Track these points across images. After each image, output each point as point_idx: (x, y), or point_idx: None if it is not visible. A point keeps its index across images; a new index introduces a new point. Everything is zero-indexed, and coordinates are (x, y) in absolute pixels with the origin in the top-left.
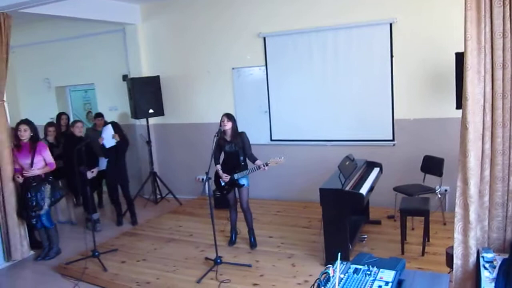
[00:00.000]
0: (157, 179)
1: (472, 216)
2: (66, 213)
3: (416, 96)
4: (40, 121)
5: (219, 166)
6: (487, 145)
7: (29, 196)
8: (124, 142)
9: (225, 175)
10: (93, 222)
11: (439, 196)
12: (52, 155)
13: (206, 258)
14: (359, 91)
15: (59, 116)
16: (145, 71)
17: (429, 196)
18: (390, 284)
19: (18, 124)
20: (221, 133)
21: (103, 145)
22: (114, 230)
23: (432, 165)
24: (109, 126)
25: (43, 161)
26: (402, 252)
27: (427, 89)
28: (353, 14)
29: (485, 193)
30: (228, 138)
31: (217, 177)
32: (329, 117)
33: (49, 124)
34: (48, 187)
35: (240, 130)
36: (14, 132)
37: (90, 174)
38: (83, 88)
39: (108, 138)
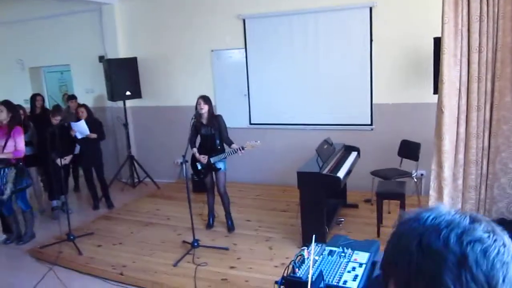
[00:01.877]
0: (135, 162)
1: (446, 199)
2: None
3: (394, 81)
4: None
5: (195, 149)
6: (462, 129)
7: None
8: (100, 132)
9: (203, 156)
10: (52, 209)
11: (415, 180)
12: None
13: (184, 242)
14: (339, 75)
15: (34, 97)
16: (122, 53)
17: (406, 180)
18: (364, 265)
19: None
20: (197, 116)
21: (75, 137)
22: (90, 214)
23: (409, 149)
24: (83, 123)
25: (14, 146)
26: (378, 235)
27: (406, 74)
28: None
29: (459, 176)
30: (204, 121)
31: (194, 161)
32: (308, 101)
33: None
34: (13, 172)
35: (219, 113)
36: None
37: (60, 162)
38: (59, 69)
39: (81, 133)
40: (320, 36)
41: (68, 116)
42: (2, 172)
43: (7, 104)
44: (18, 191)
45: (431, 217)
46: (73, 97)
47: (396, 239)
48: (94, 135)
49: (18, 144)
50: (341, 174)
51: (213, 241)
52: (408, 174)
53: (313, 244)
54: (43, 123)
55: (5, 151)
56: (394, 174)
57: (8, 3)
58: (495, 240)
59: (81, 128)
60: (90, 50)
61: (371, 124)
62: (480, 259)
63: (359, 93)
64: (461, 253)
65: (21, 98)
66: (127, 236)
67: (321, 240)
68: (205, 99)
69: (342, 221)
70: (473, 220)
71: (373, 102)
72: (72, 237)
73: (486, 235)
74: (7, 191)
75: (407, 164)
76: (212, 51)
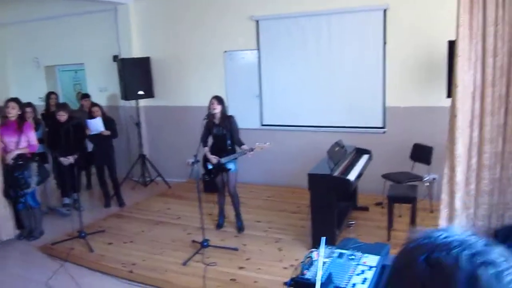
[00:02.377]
0: (146, 161)
1: (458, 203)
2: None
3: (408, 84)
4: (29, 100)
5: (207, 149)
6: (476, 133)
7: (17, 175)
8: (113, 129)
9: (213, 156)
10: (63, 206)
11: (427, 184)
12: None
13: (193, 241)
14: (351, 77)
15: (49, 95)
16: (136, 52)
17: (417, 184)
18: (373, 269)
19: (7, 101)
20: (210, 116)
21: (89, 135)
22: (102, 212)
23: (421, 153)
24: (98, 120)
25: (27, 141)
26: (389, 239)
27: (419, 77)
28: None
29: (472, 180)
30: (217, 121)
31: (205, 160)
32: (320, 103)
33: (27, 104)
34: (35, 165)
35: (231, 113)
36: (2, 109)
37: (66, 161)
38: (73, 68)
39: (95, 130)
40: (333, 38)
41: (82, 115)
42: (26, 166)
43: (18, 101)
44: (41, 182)
45: (443, 235)
46: (86, 96)
47: (403, 255)
48: (107, 132)
49: (31, 139)
50: (351, 176)
51: (223, 241)
52: (420, 178)
53: (322, 246)
54: (54, 124)
55: (19, 146)
56: (406, 177)
57: (24, 3)
58: (511, 266)
59: (96, 126)
60: (104, 50)
61: (383, 127)
62: (492, 282)
63: (372, 95)
64: (472, 273)
65: (36, 96)
66: (137, 234)
67: (331, 242)
68: (219, 99)
69: (352, 223)
70: (488, 244)
71: (386, 105)
72: (83, 234)
73: (501, 259)
74: (33, 184)
75: (419, 168)
76: (225, 52)
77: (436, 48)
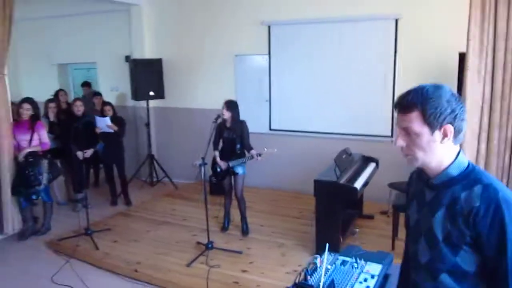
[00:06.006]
0: (154, 161)
1: None
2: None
3: None
4: (40, 98)
5: (217, 153)
6: (483, 146)
7: (27, 172)
8: (122, 128)
9: (223, 162)
10: (74, 202)
11: None
12: (54, 133)
13: (198, 243)
14: (361, 85)
15: (57, 92)
16: (148, 53)
17: None
18: (376, 277)
19: (22, 101)
20: (222, 119)
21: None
22: (109, 210)
23: None
24: (107, 120)
25: (39, 139)
26: (393, 248)
27: None
28: (359, 7)
29: None
30: (228, 124)
31: (214, 162)
32: (329, 109)
33: (50, 100)
34: (45, 163)
35: (241, 117)
36: (16, 107)
37: (81, 155)
38: (86, 67)
39: (104, 128)
40: (344, 46)
41: (92, 114)
42: (37, 163)
43: (32, 102)
44: (52, 179)
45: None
46: (98, 94)
47: None
48: (115, 127)
49: (42, 137)
50: (358, 184)
51: (227, 244)
52: None
53: (326, 252)
54: (67, 119)
55: (32, 145)
56: None
57: (40, 0)
58: None
59: (103, 124)
60: (116, 49)
61: (391, 136)
62: None
63: (381, 104)
64: None
65: (48, 94)
66: (143, 233)
67: (334, 249)
68: (228, 105)
69: (357, 231)
70: None
71: (395, 114)
72: (89, 232)
73: None
74: (44, 181)
75: None
76: (235, 55)
77: (446, 60)
